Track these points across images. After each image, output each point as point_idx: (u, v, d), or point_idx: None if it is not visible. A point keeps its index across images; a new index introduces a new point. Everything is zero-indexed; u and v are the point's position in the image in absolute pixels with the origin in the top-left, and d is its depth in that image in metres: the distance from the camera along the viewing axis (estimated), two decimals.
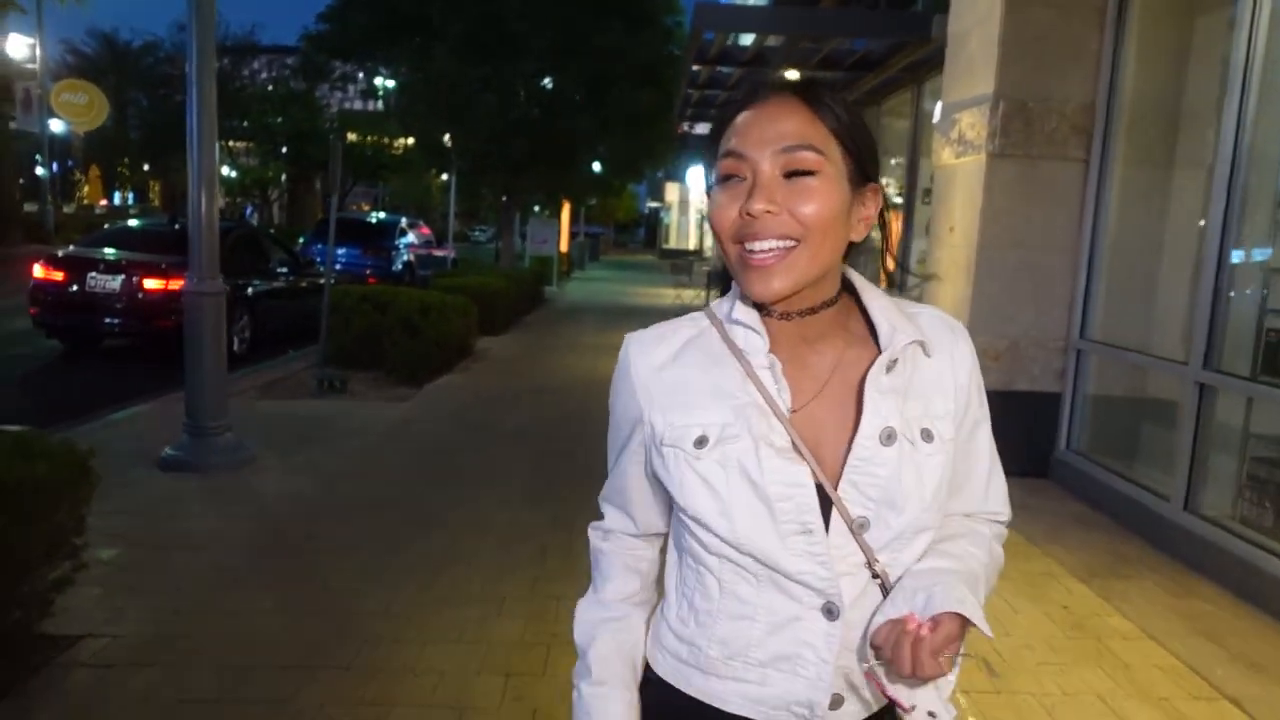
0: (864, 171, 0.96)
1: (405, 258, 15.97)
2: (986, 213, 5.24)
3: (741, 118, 0.94)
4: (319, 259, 11.72)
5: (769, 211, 0.90)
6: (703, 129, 18.59)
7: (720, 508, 0.95)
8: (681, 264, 23.50)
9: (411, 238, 16.94)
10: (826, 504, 0.94)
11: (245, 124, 35.22)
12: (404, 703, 2.62)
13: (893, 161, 9.75)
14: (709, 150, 0.99)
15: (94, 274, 8.46)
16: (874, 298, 1.01)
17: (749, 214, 0.90)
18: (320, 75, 32.07)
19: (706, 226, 1.01)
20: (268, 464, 5.06)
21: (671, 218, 46.16)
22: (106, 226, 10.96)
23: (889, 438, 0.94)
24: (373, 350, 8.15)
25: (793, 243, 0.90)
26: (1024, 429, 5.31)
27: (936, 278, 5.72)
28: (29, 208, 25.91)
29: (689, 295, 16.58)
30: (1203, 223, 4.31)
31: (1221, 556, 3.87)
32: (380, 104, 22.30)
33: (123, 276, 8.44)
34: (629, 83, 14.84)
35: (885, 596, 0.95)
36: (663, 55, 15.67)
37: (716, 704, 1.00)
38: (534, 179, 16.08)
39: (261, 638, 3.00)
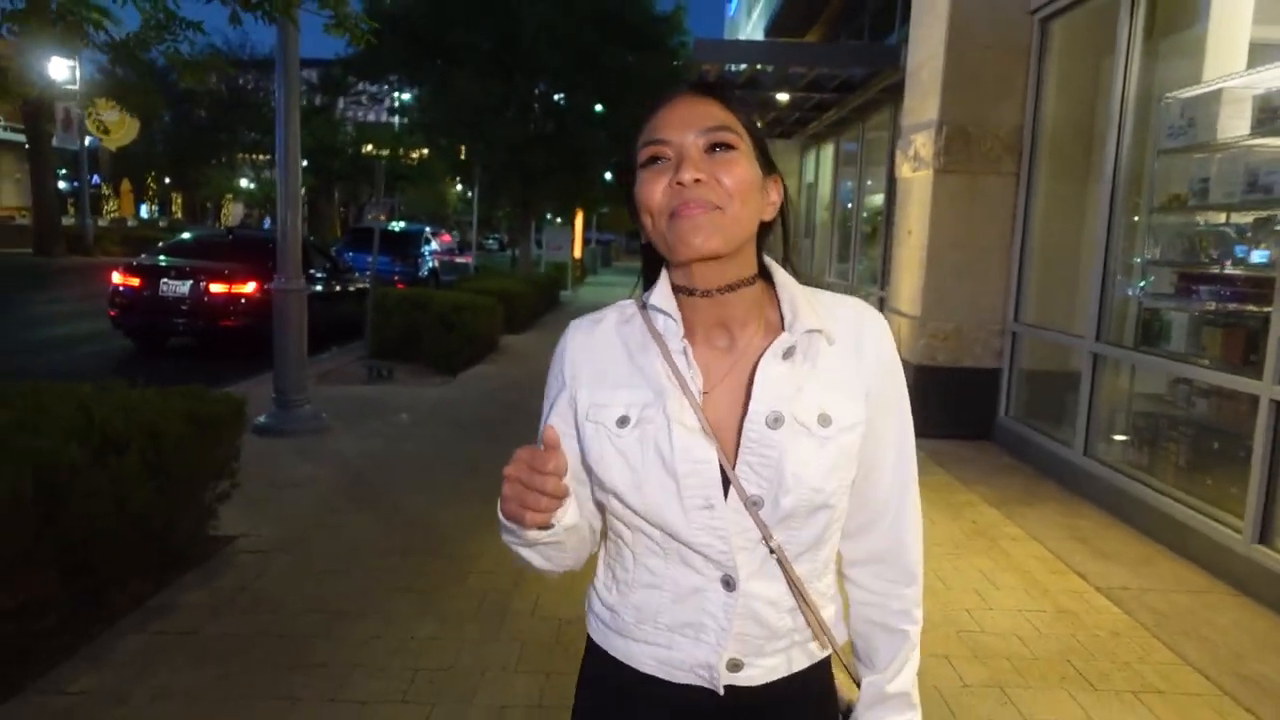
0: (768, 161, 1.04)
1: (430, 264, 17.12)
2: (935, 218, 6.28)
3: (660, 112, 1.01)
4: (355, 265, 12.86)
5: (698, 179, 0.95)
6: None
7: (634, 481, 1.01)
8: None
9: (435, 246, 18.09)
10: (727, 482, 0.99)
11: (268, 137, 36.48)
12: (476, 571, 3.68)
13: (872, 176, 10.77)
14: (627, 157, 1.05)
15: (166, 279, 9.58)
16: (786, 286, 1.06)
17: (679, 183, 0.96)
18: (341, 91, 33.36)
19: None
20: (339, 431, 6.14)
21: None
22: (184, 236, 11.90)
23: (776, 421, 0.98)
24: (412, 344, 9.23)
25: (717, 208, 0.96)
26: (970, 399, 6.33)
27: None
28: (65, 221, 27.20)
29: None
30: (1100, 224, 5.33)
31: (1104, 487, 4.89)
32: (396, 117, 23.47)
33: (191, 281, 9.56)
34: (637, 99, 15.92)
35: (783, 571, 1.02)
36: (669, 72, 16.75)
37: (632, 664, 1.08)
38: (550, 189, 17.17)
39: (364, 537, 4.07)
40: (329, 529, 4.20)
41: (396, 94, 21.42)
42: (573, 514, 1.00)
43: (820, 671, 1.11)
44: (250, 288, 9.53)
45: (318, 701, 2.68)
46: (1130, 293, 5.13)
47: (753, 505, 0.99)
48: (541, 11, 14.30)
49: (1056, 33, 5.99)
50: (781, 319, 1.04)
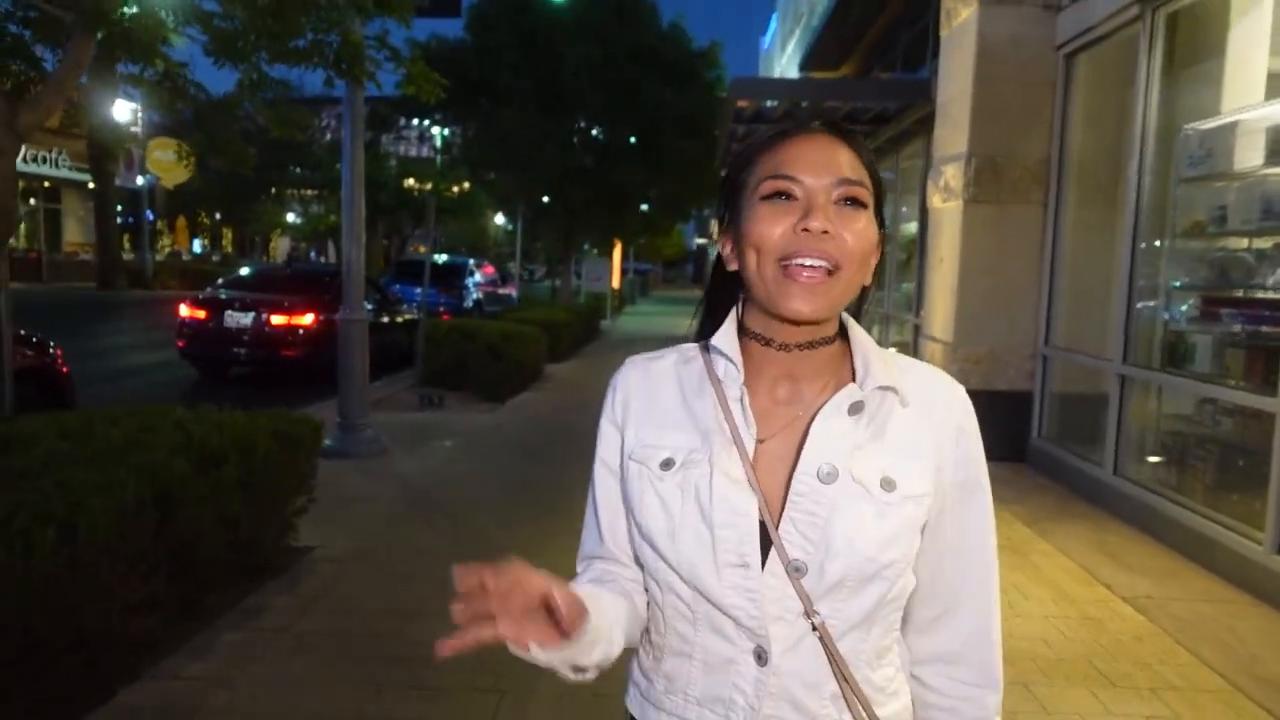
0: (882, 221, 0.98)
1: (475, 295, 17.62)
2: (966, 247, 6.52)
3: (790, 146, 0.94)
4: (403, 297, 13.36)
5: (826, 231, 0.90)
6: None
7: (669, 528, 0.95)
8: None
9: (479, 277, 18.61)
10: (770, 545, 0.93)
11: (316, 173, 37.61)
12: None
13: (907, 205, 11.01)
14: (732, 178, 0.99)
15: (230, 311, 10.11)
16: (860, 343, 0.99)
17: (805, 229, 0.90)
18: (387, 128, 34.42)
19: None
20: (398, 454, 6.50)
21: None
22: (244, 271, 12.45)
23: (829, 475, 0.92)
24: (461, 373, 9.62)
25: (835, 270, 0.91)
26: (1003, 422, 6.51)
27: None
28: (125, 256, 28.37)
29: None
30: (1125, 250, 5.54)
31: (1133, 504, 5.06)
32: (438, 152, 24.26)
33: (254, 313, 10.07)
34: (675, 133, 16.38)
35: (826, 651, 0.93)
36: (705, 106, 17.20)
37: None
38: (590, 221, 17.64)
39: (429, 548, 4.39)
40: (397, 541, 4.53)
41: (440, 130, 22.16)
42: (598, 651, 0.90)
43: None
44: (309, 319, 10.02)
45: (399, 688, 2.98)
46: (1155, 316, 5.32)
47: (794, 571, 0.92)
48: (582, 52, 14.83)
49: (1081, 66, 6.23)
50: (854, 374, 0.97)
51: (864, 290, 1.00)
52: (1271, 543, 3.90)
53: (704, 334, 1.07)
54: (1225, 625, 3.66)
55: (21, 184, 26.77)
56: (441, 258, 20.22)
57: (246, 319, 10.10)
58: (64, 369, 6.06)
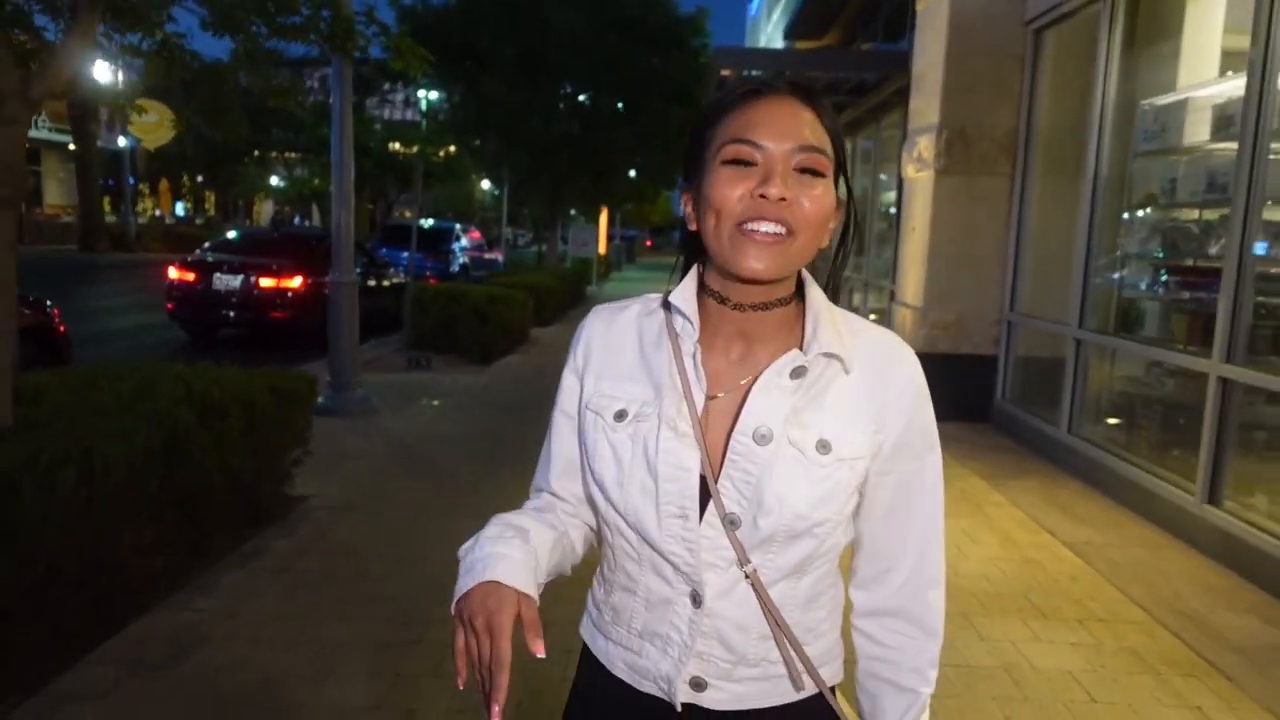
0: (847, 181, 1.00)
1: (461, 260, 17.74)
2: (936, 216, 6.76)
3: (752, 109, 0.95)
4: (392, 261, 13.50)
5: (783, 199, 0.91)
6: None
7: (619, 477, 1.00)
8: None
9: (465, 242, 18.72)
10: (710, 498, 0.96)
11: (300, 136, 37.31)
12: None
13: (886, 174, 11.22)
14: (699, 133, 1.00)
15: (218, 274, 10.24)
16: (814, 306, 1.01)
17: (763, 196, 0.91)
18: (370, 91, 34.14)
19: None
20: (387, 412, 6.73)
21: None
22: (231, 235, 12.47)
23: (764, 438, 0.95)
24: (448, 336, 9.82)
25: (790, 234, 0.92)
26: (969, 384, 6.79)
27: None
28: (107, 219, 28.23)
29: None
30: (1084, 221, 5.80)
31: (1085, 462, 5.37)
32: (423, 116, 24.25)
33: (242, 276, 10.20)
34: (661, 99, 16.46)
35: (758, 596, 0.98)
36: (691, 72, 17.25)
37: (607, 666, 1.08)
38: (576, 188, 17.75)
39: (419, 499, 4.64)
40: (389, 491, 4.78)
41: (425, 95, 22.14)
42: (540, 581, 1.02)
43: (806, 714, 1.04)
44: (297, 282, 10.17)
45: (392, 622, 3.24)
46: (1110, 284, 5.59)
47: (729, 524, 0.96)
48: (567, 18, 14.86)
49: (1048, 42, 6.44)
50: (803, 339, 1.00)
51: (839, 255, 1.05)
52: (1202, 493, 4.20)
53: None
54: (1155, 568, 3.97)
55: None
56: (428, 222, 20.29)
57: (235, 281, 10.23)
58: (60, 327, 6.24)
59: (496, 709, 0.86)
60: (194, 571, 3.60)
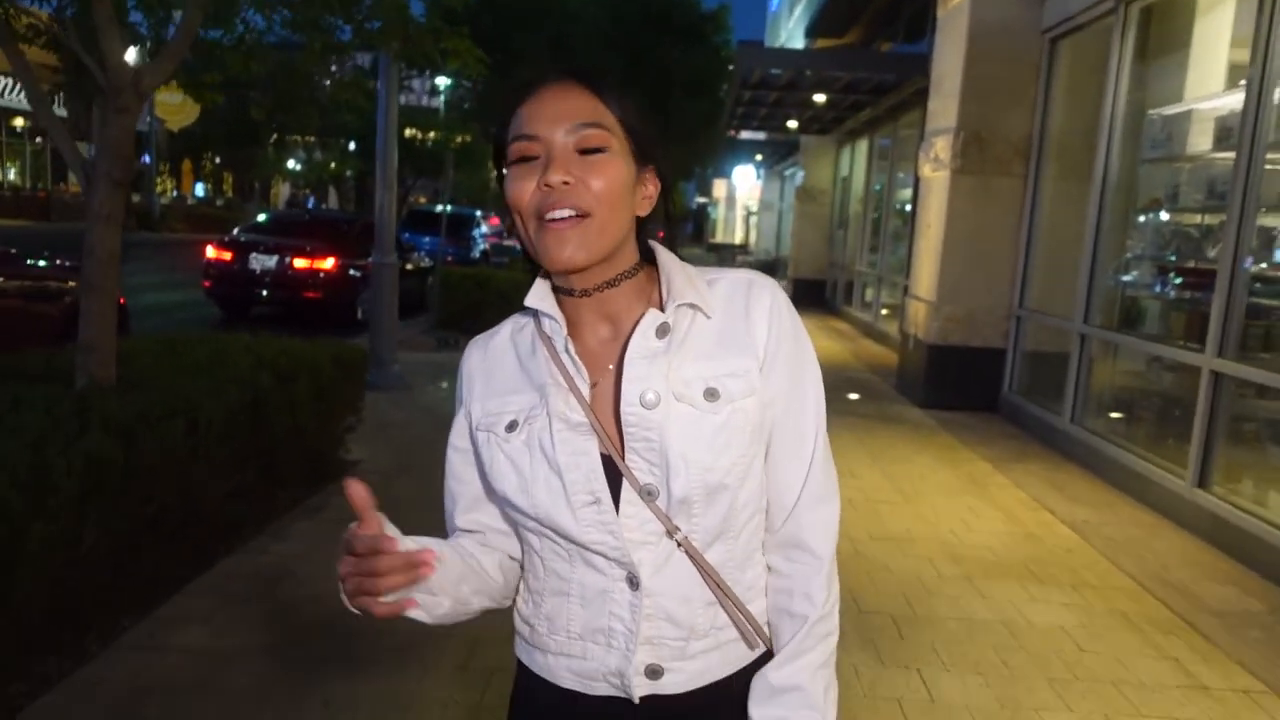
0: (644, 152, 0.99)
1: (481, 246, 18.10)
2: (951, 215, 7.07)
3: (528, 103, 0.96)
4: (417, 246, 13.88)
5: (565, 182, 0.92)
6: (750, 133, 20.49)
7: (521, 484, 0.99)
8: (726, 257, 25.45)
9: (485, 229, 19.08)
10: (620, 476, 0.96)
11: (320, 119, 37.65)
12: None
13: (903, 172, 11.52)
14: (497, 142, 1.00)
15: (255, 254, 10.62)
16: (666, 267, 1.02)
17: (547, 185, 0.92)
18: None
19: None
20: (422, 387, 7.10)
21: (719, 213, 47.99)
22: (261, 217, 12.88)
23: (651, 401, 0.95)
24: (474, 318, 10.16)
25: (585, 215, 0.93)
26: (978, 375, 7.12)
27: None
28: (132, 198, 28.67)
29: None
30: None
31: (1086, 449, 5.69)
32: (446, 105, 24.56)
33: (278, 256, 10.57)
34: (684, 93, 16.77)
35: (695, 564, 0.98)
36: (714, 68, 17.55)
37: (553, 680, 1.04)
38: None
39: None
40: (434, 457, 5.11)
41: (449, 82, 22.47)
42: (447, 603, 1.02)
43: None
44: (329, 263, 10.53)
45: None
46: (1114, 282, 5.90)
47: (647, 496, 0.96)
48: (593, 14, 15.18)
49: (1063, 51, 6.73)
50: (662, 300, 1.01)
51: (646, 219, 1.02)
52: (1193, 478, 4.53)
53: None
54: (1146, 544, 4.30)
55: (27, 123, 26.99)
56: (449, 208, 20.61)
57: (271, 261, 10.60)
58: (120, 298, 6.60)
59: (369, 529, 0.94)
60: (268, 520, 3.97)
